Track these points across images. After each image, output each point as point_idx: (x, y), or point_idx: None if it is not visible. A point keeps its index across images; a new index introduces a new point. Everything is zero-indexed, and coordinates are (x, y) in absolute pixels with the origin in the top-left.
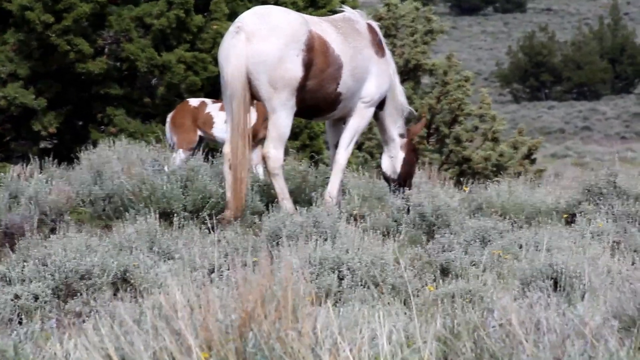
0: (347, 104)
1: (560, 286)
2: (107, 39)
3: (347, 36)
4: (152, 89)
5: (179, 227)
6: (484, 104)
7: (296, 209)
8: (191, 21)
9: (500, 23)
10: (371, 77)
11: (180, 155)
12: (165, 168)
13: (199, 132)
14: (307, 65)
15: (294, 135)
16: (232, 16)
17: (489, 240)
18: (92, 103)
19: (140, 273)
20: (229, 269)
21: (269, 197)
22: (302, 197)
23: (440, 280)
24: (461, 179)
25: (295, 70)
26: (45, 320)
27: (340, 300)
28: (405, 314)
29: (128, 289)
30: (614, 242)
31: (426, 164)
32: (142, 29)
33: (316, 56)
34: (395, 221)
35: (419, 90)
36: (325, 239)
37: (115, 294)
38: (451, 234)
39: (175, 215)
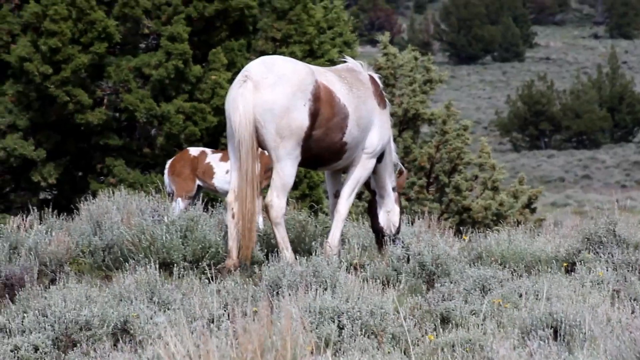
0: (351, 154)
1: (560, 335)
2: (105, 89)
3: (352, 86)
4: (151, 139)
5: (179, 277)
6: (483, 152)
7: (296, 258)
8: (190, 71)
9: (499, 72)
10: (374, 128)
11: (179, 204)
12: (165, 218)
13: (198, 182)
14: (314, 115)
15: (293, 185)
16: (231, 66)
17: (489, 289)
18: (92, 153)
19: (140, 323)
20: (228, 319)
21: (269, 247)
22: (301, 247)
23: (441, 329)
24: (461, 228)
25: (301, 119)
26: None
27: (340, 349)
28: None
29: (128, 339)
30: (613, 290)
31: (425, 213)
32: (140, 80)
33: (322, 106)
34: (395, 270)
35: (418, 140)
36: (325, 289)
37: (115, 345)
38: (451, 282)
39: (175, 265)
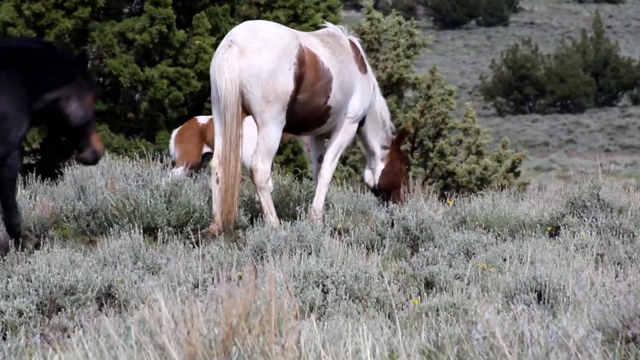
0: (334, 118)
1: (544, 299)
2: (89, 54)
3: (334, 50)
4: (135, 104)
5: (163, 242)
6: (467, 117)
7: (280, 223)
8: (173, 36)
9: (484, 37)
10: (356, 93)
11: (179, 171)
12: (163, 183)
13: (206, 149)
14: (299, 79)
15: (278, 150)
16: (215, 31)
17: (473, 254)
18: None
19: (124, 288)
20: (213, 284)
21: (253, 212)
22: (286, 212)
23: (425, 294)
24: (445, 192)
25: (287, 83)
26: (29, 335)
27: (324, 314)
28: (390, 327)
29: (113, 304)
30: (597, 254)
31: (410, 177)
32: (124, 44)
33: (307, 69)
34: (380, 235)
35: (402, 104)
36: (310, 253)
37: (99, 309)
38: (435, 247)
39: (159, 230)
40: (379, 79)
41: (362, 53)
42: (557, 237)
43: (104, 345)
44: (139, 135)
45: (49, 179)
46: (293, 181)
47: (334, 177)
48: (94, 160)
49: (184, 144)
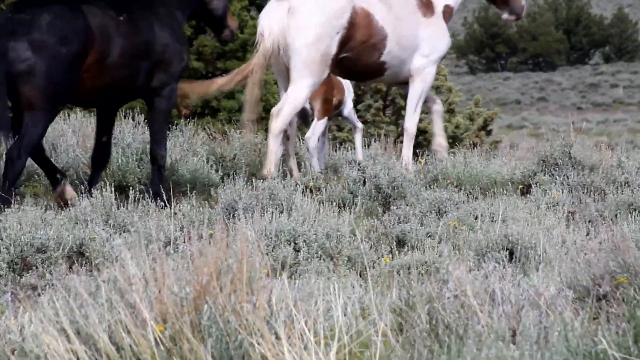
0: (395, 71)
1: (515, 257)
2: None
3: (392, 6)
4: None
5: (135, 201)
6: (439, 75)
7: (252, 181)
8: None
9: None
10: (423, 41)
11: (321, 125)
12: (313, 140)
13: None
14: (345, 41)
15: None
16: None
17: (445, 212)
18: None
19: (96, 246)
20: (184, 242)
21: (224, 170)
22: (257, 170)
23: (396, 252)
24: (417, 150)
25: (331, 47)
26: (0, 294)
27: (296, 272)
28: (361, 285)
29: (84, 262)
30: (569, 212)
31: (382, 135)
32: None
33: (357, 31)
34: (351, 193)
35: None
36: (281, 212)
37: (70, 268)
38: (407, 205)
39: (130, 188)
40: None
41: None
42: (528, 195)
43: (74, 303)
44: None
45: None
46: (265, 139)
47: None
48: (231, 38)
49: (320, 95)
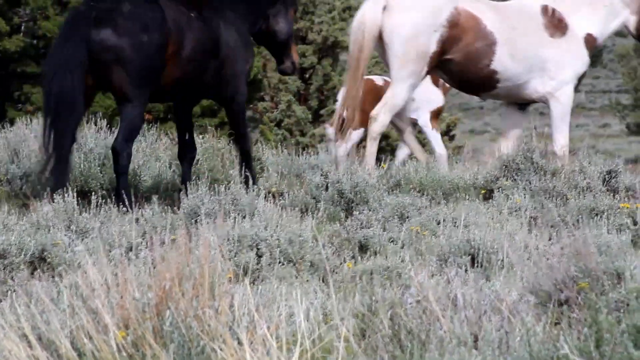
0: (511, 86)
1: (477, 262)
2: (23, 16)
3: (508, 17)
4: None
5: (97, 206)
6: None
7: (214, 188)
8: None
9: None
10: (548, 63)
11: (357, 135)
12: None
13: None
14: (447, 41)
15: (211, 112)
16: None
17: (407, 217)
18: (9, 81)
19: (58, 252)
20: (147, 248)
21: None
22: (220, 175)
23: (359, 257)
24: (380, 155)
25: (429, 45)
26: None
27: (258, 277)
28: (324, 291)
29: (46, 268)
30: (531, 217)
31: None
32: (58, 6)
33: (461, 32)
34: (314, 198)
35: (337, 68)
36: (244, 217)
37: (32, 273)
38: (369, 210)
39: (93, 194)
40: (313, 42)
41: (561, 16)
42: (491, 200)
43: (36, 309)
44: None
45: None
46: (228, 144)
47: (268, 140)
48: (292, 71)
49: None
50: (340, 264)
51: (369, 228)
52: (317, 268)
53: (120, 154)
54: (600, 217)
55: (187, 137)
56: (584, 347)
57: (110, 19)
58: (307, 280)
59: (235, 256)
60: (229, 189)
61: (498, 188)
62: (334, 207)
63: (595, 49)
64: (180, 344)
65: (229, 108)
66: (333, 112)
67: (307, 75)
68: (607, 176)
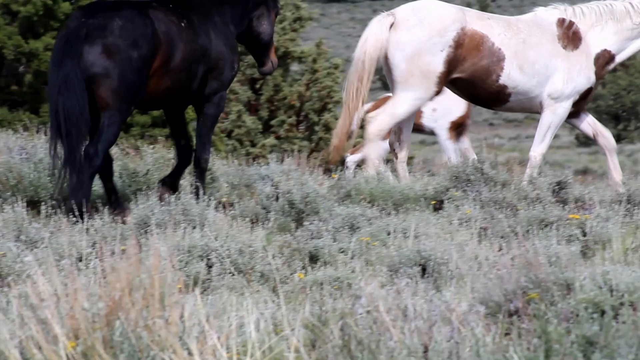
0: (523, 99)
1: (428, 273)
2: None
3: (518, 31)
4: (19, 77)
5: (47, 216)
6: None
7: (165, 199)
8: (58, 8)
9: (369, 10)
10: (557, 72)
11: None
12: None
13: None
14: (454, 61)
15: (163, 122)
16: None
17: (358, 227)
18: None
19: (7, 262)
20: (97, 258)
21: (137, 185)
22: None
23: (309, 268)
24: (330, 166)
25: (435, 64)
26: None
27: (209, 288)
28: (274, 301)
29: None
30: (481, 228)
31: (295, 151)
32: (8, 16)
33: (467, 51)
34: (264, 208)
35: (288, 78)
36: (194, 227)
37: None
38: (320, 221)
39: (42, 203)
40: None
41: (576, 29)
42: (441, 211)
43: None
44: (22, 107)
45: None
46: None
47: (219, 151)
48: (272, 71)
49: None
50: (291, 274)
51: (319, 238)
52: (267, 278)
53: (92, 159)
54: (550, 228)
55: (182, 143)
56: (533, 357)
57: (100, 35)
58: (258, 291)
59: (185, 266)
60: (179, 199)
61: (448, 199)
62: (285, 218)
63: (609, 64)
64: (130, 354)
65: (206, 115)
66: (282, 122)
67: (257, 86)
68: (556, 187)
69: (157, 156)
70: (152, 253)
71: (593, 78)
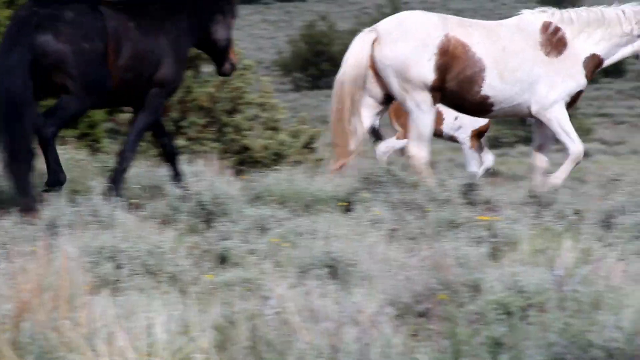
0: (507, 107)
1: (337, 274)
2: None
3: (499, 39)
4: None
5: None
6: (264, 92)
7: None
8: None
9: (281, 12)
10: (540, 80)
11: (401, 143)
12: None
13: None
14: (442, 69)
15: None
16: (11, 4)
17: (268, 229)
18: None
19: None
20: (5, 259)
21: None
22: (80, 187)
23: (219, 269)
24: (242, 167)
25: (425, 73)
26: None
27: (118, 289)
28: (183, 303)
29: None
30: (391, 229)
31: (206, 152)
32: None
33: (451, 59)
34: (174, 210)
35: (199, 79)
36: (104, 228)
37: None
38: (230, 222)
39: None
40: None
41: (562, 35)
42: (351, 212)
43: None
44: None
45: None
46: (88, 155)
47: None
48: (231, 71)
49: (403, 120)
50: (201, 275)
51: (229, 240)
52: (177, 280)
53: (42, 129)
54: (460, 229)
55: (165, 139)
56: (442, 358)
57: (52, 25)
58: (167, 292)
59: (94, 267)
60: (89, 200)
61: (358, 200)
62: (195, 219)
63: (598, 68)
64: (38, 355)
65: (140, 119)
66: (193, 123)
67: None
68: (466, 189)
69: (67, 157)
70: (61, 254)
71: (583, 81)
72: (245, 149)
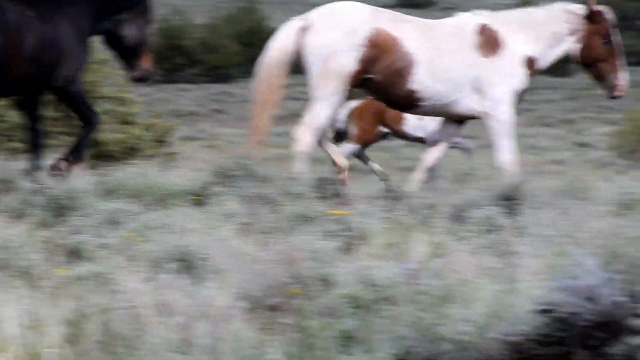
0: (438, 104)
1: (190, 268)
2: None
3: (434, 37)
4: None
5: None
6: (119, 86)
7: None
8: None
9: None
10: (479, 82)
11: (350, 148)
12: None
13: (384, 129)
14: (367, 61)
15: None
16: None
17: (121, 223)
18: None
19: None
20: None
21: None
22: None
23: (71, 263)
24: (96, 161)
25: (347, 64)
26: None
27: None
28: (34, 297)
29: None
30: (245, 223)
31: (58, 147)
32: None
33: (380, 52)
34: (26, 204)
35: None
36: None
37: None
38: (83, 216)
39: None
40: None
41: (498, 36)
42: (204, 206)
43: None
44: None
45: None
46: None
47: None
48: (141, 79)
49: (362, 121)
50: (52, 269)
51: (81, 234)
52: (27, 274)
53: None
54: (312, 223)
55: (36, 127)
56: (293, 352)
57: None
58: (17, 287)
59: None
60: None
61: (211, 194)
62: (47, 213)
63: (536, 72)
64: None
65: (65, 98)
66: (45, 117)
67: None
68: (320, 183)
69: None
70: None
71: (525, 78)
72: (99, 143)
